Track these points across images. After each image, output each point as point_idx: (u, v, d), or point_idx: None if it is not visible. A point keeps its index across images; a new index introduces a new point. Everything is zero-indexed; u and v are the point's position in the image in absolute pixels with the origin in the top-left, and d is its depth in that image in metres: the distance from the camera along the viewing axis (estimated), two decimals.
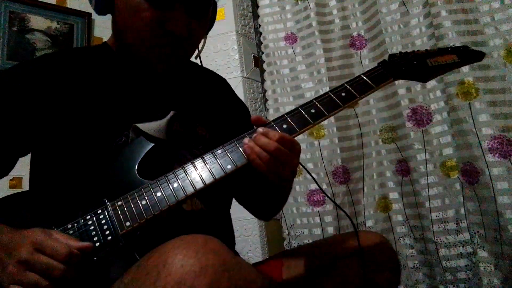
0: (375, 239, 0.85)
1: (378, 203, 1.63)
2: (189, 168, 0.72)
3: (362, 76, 0.82)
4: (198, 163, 0.72)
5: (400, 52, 0.88)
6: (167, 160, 0.80)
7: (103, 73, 0.83)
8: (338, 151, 1.69)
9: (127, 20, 0.78)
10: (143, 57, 0.80)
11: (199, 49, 0.90)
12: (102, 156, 0.76)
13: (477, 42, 1.41)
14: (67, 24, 1.64)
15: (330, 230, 1.67)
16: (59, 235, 0.61)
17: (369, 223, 1.64)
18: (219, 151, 0.74)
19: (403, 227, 1.58)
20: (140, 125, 0.77)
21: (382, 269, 0.81)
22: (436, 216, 1.47)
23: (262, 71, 1.93)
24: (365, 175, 1.67)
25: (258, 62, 1.99)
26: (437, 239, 1.46)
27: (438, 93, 1.50)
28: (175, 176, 0.71)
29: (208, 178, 0.71)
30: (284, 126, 0.76)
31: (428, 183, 1.50)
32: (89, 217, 0.68)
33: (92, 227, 0.67)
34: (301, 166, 0.82)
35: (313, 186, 1.70)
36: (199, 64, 0.97)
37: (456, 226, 1.43)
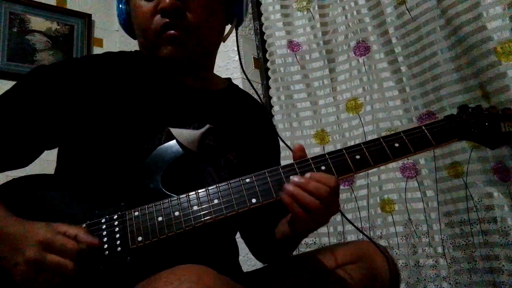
0: (373, 247, 0.85)
1: (382, 204, 1.63)
2: (214, 192, 0.69)
3: (423, 128, 0.72)
4: (223, 189, 0.69)
5: (472, 108, 0.76)
6: (191, 172, 0.79)
7: (141, 77, 0.84)
8: None
9: (135, 23, 0.85)
10: (155, 52, 0.82)
11: (225, 34, 0.94)
12: (130, 158, 0.75)
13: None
14: (67, 25, 1.62)
15: (336, 229, 1.68)
16: (68, 228, 0.61)
17: (374, 224, 1.64)
18: (247, 180, 0.69)
19: (407, 227, 1.57)
20: (173, 131, 0.74)
21: (381, 277, 0.81)
22: (442, 217, 1.48)
23: (262, 73, 1.93)
24: (370, 177, 1.67)
25: (258, 63, 1.99)
26: (442, 239, 1.47)
27: None
28: (197, 198, 0.68)
29: (229, 210, 0.67)
30: (323, 167, 0.69)
31: (437, 184, 1.50)
32: (103, 220, 0.67)
33: (105, 232, 0.66)
34: None
35: None
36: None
37: (461, 226, 1.43)
